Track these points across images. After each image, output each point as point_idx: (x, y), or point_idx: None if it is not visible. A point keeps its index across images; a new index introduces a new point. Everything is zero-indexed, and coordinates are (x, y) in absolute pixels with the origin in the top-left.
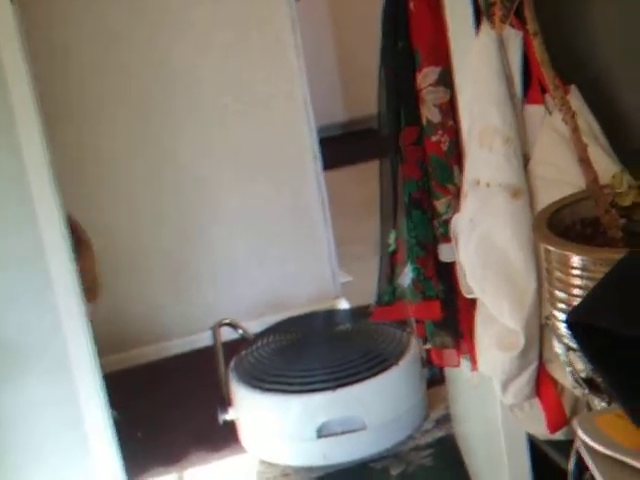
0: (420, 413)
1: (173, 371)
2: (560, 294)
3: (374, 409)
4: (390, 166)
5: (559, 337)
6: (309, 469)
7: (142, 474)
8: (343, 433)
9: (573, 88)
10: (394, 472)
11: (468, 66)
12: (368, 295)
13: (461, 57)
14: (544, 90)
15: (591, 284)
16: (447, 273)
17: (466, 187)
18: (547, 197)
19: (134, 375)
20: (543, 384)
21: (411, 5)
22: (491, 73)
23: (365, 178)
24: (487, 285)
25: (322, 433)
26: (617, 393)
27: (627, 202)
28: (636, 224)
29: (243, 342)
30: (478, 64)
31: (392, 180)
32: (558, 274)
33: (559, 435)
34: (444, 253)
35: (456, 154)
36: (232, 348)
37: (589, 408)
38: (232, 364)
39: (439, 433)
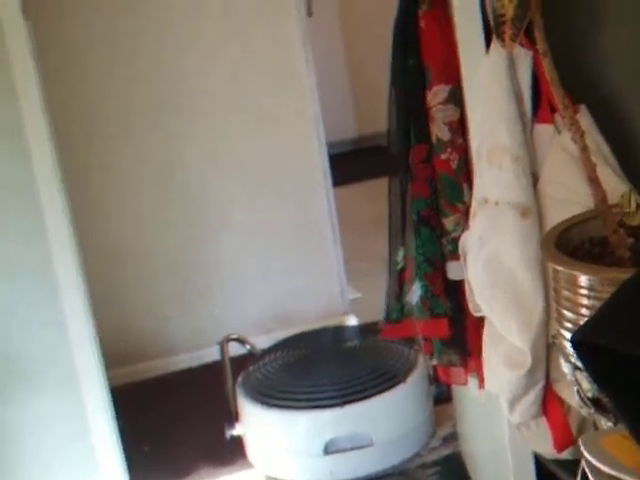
0: (427, 430)
1: (180, 385)
2: (568, 313)
3: (381, 426)
4: (399, 183)
5: (566, 356)
6: None
7: None
8: (350, 449)
9: (582, 107)
10: None
11: (478, 84)
12: (377, 312)
13: (471, 75)
14: (553, 109)
15: (599, 304)
16: (455, 291)
17: (475, 205)
18: (556, 216)
19: (141, 389)
20: (550, 403)
21: (422, 23)
22: (501, 92)
23: (375, 195)
24: (495, 304)
25: (329, 449)
26: (622, 414)
27: (635, 222)
28: None
29: (251, 357)
30: (488, 83)
31: (401, 197)
32: (566, 293)
33: (566, 454)
34: (452, 271)
35: (465, 172)
36: (240, 363)
37: (596, 428)
38: (240, 379)
39: (446, 451)
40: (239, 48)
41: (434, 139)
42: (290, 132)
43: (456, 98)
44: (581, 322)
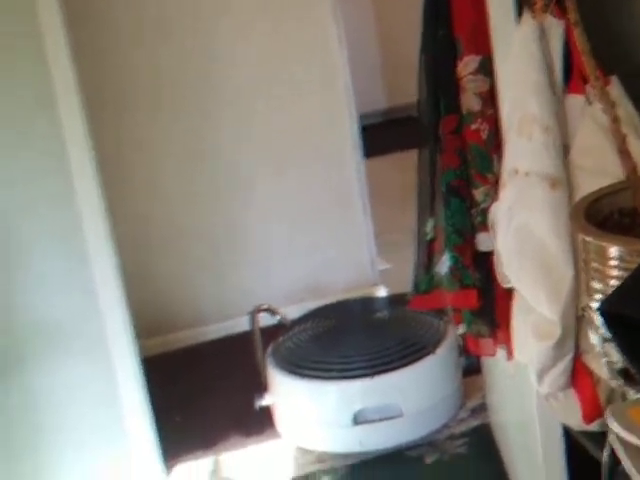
0: (456, 402)
1: (210, 356)
2: (597, 285)
3: (410, 397)
4: (429, 154)
5: (595, 328)
6: (345, 456)
7: (179, 457)
8: (379, 420)
9: (614, 79)
10: (429, 460)
11: (509, 55)
12: (406, 283)
13: (502, 46)
14: (585, 80)
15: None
16: (484, 262)
17: (505, 176)
18: (586, 187)
19: (172, 359)
20: (579, 375)
21: None
22: (532, 62)
23: (405, 166)
24: (524, 275)
25: (358, 420)
26: None
27: None
28: None
29: (280, 328)
30: (519, 53)
31: (430, 168)
32: (595, 265)
33: (594, 426)
34: (482, 242)
35: (495, 143)
36: (269, 334)
37: (624, 399)
38: (269, 350)
39: (474, 422)
40: (270, 21)
41: (464, 110)
42: (321, 104)
43: (486, 69)
44: None
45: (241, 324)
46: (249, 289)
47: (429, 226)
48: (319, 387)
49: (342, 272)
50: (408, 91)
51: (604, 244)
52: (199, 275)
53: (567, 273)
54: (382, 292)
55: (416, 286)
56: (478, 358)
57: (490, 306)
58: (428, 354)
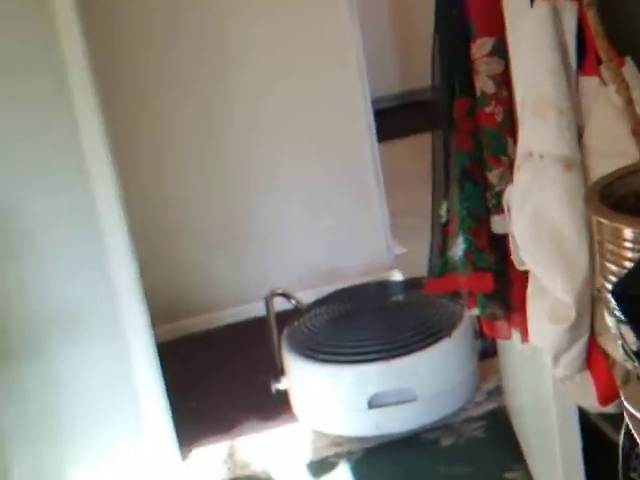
0: (472, 385)
1: (226, 340)
2: (611, 266)
3: (426, 380)
4: (442, 137)
5: (610, 310)
6: (361, 439)
7: (195, 442)
8: (395, 404)
9: (628, 60)
10: (445, 443)
11: (523, 37)
12: (422, 267)
13: (516, 28)
14: (599, 61)
15: None
16: (499, 245)
17: (519, 159)
18: (601, 169)
19: (187, 344)
20: (594, 357)
21: None
22: (545, 44)
23: (421, 150)
24: (539, 257)
25: (374, 404)
26: None
27: None
28: None
29: (296, 312)
30: (533, 35)
31: (444, 150)
32: (610, 246)
33: (610, 408)
34: (496, 225)
35: (510, 125)
36: (285, 318)
37: None
38: (285, 334)
39: (491, 405)
40: (284, 5)
41: (478, 92)
42: (335, 88)
43: (500, 50)
44: None
45: (257, 309)
46: (264, 274)
47: (443, 209)
48: (335, 371)
49: (358, 256)
50: (422, 75)
51: (619, 226)
52: (214, 260)
53: (582, 255)
54: (398, 276)
55: (431, 269)
56: (494, 341)
57: (505, 289)
58: (444, 338)
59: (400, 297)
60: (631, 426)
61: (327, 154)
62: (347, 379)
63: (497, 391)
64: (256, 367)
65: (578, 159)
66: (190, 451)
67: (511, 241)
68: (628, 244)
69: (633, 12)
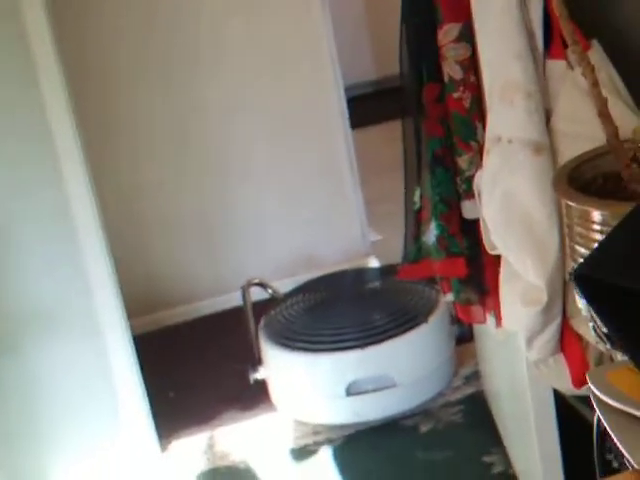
0: (449, 370)
1: (203, 331)
2: (581, 249)
3: (404, 367)
4: (413, 124)
5: None
6: (340, 427)
7: (174, 433)
8: (373, 391)
9: (595, 42)
10: (424, 428)
11: (489, 21)
12: (398, 253)
13: (482, 12)
14: (566, 45)
15: None
16: (471, 230)
17: (488, 144)
18: (569, 152)
19: (164, 336)
20: (567, 339)
21: None
22: (512, 28)
23: (395, 137)
24: (510, 241)
25: (352, 391)
26: (626, 346)
27: None
28: None
29: (273, 301)
30: (499, 19)
31: (416, 138)
32: (579, 229)
33: (584, 390)
34: (468, 210)
35: (478, 110)
36: (262, 308)
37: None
38: (262, 323)
39: (469, 390)
40: None
41: (446, 78)
42: (307, 76)
43: (467, 36)
44: None
45: (234, 299)
46: (241, 264)
47: (416, 195)
48: (312, 359)
49: (334, 244)
50: (397, 62)
51: (587, 208)
52: (191, 252)
53: (552, 239)
54: (374, 263)
55: (405, 256)
56: (470, 326)
57: (478, 273)
58: (420, 324)
59: (376, 284)
60: (597, 411)
61: (301, 142)
62: (325, 367)
63: (474, 376)
64: (234, 357)
65: (547, 143)
66: (169, 443)
67: (482, 225)
68: (596, 226)
69: None
